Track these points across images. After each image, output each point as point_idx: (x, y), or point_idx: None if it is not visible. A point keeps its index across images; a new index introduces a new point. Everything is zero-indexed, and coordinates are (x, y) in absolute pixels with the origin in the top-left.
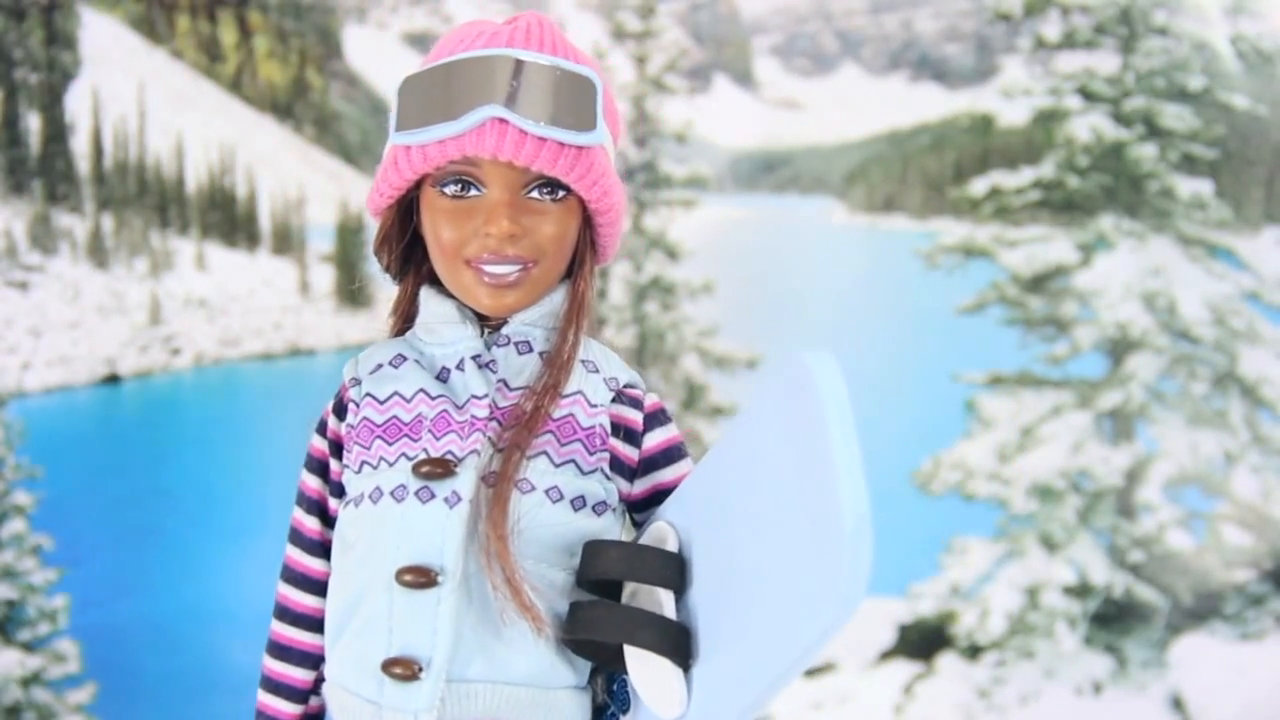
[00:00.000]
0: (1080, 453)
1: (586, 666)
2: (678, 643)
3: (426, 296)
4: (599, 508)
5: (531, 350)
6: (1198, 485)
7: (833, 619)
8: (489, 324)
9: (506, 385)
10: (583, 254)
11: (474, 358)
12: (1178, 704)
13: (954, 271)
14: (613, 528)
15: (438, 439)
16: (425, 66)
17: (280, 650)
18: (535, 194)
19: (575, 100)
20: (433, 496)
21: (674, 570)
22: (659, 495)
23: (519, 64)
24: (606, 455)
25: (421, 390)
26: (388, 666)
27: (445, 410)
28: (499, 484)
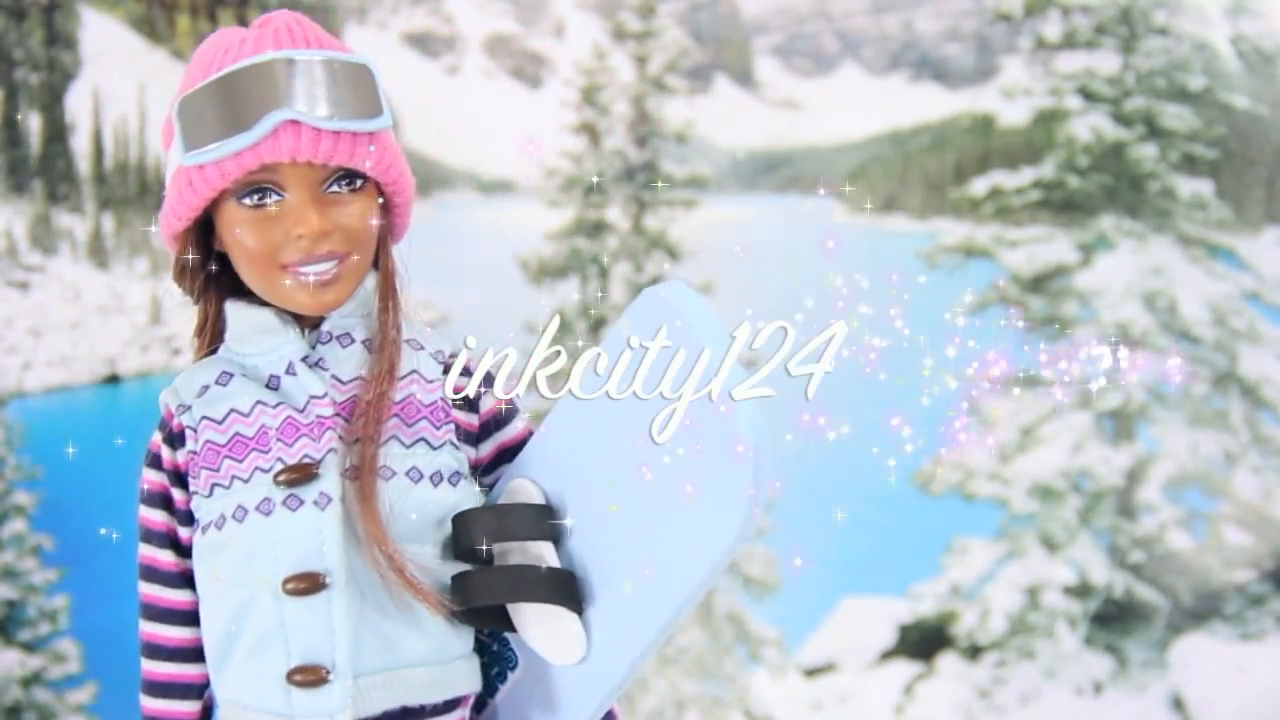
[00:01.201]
0: (1080, 453)
1: (472, 633)
2: (569, 590)
3: (235, 309)
4: (454, 478)
5: (354, 341)
6: (1198, 485)
7: (741, 528)
8: (305, 324)
9: (339, 380)
10: (383, 236)
11: (303, 359)
12: (1178, 704)
13: (954, 271)
14: (470, 495)
15: (290, 446)
16: (199, 84)
17: (160, 688)
18: (335, 188)
19: (357, 88)
20: (301, 503)
21: (547, 521)
22: (503, 454)
23: (295, 63)
24: (452, 426)
25: (258, 402)
26: (292, 676)
27: (289, 416)
28: (363, 476)
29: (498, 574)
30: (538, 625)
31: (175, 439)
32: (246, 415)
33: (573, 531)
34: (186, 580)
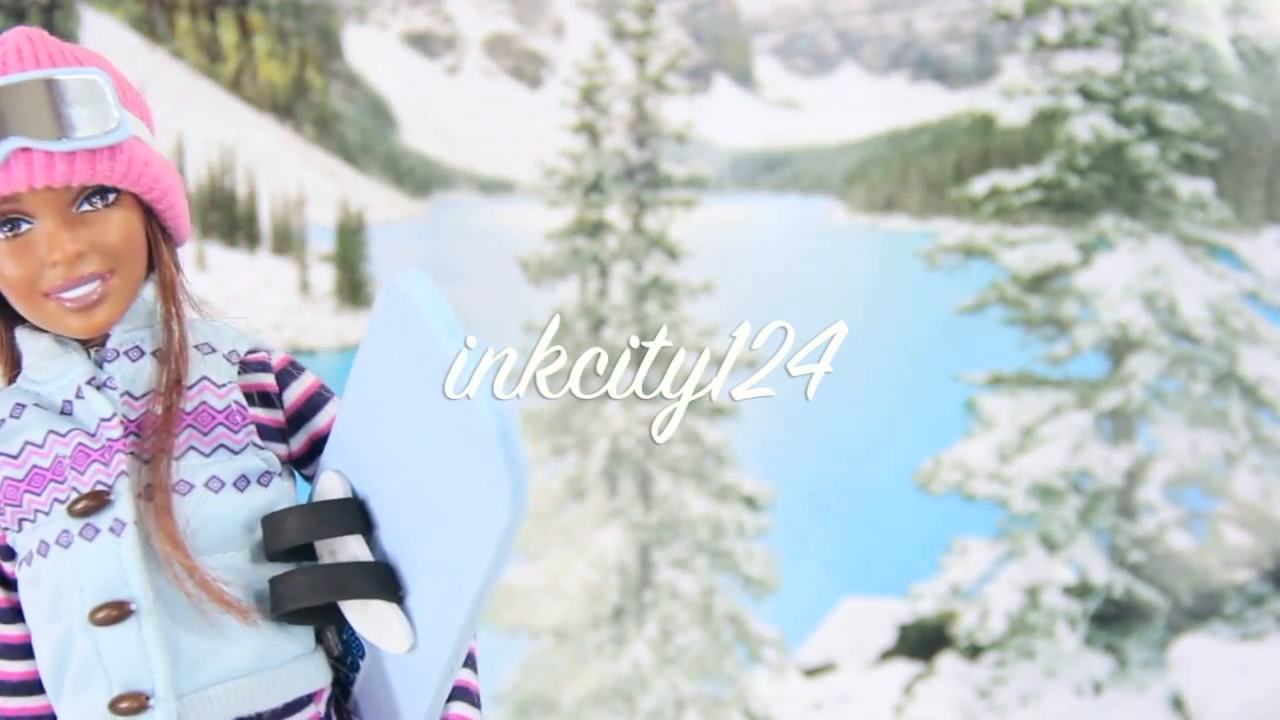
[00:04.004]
0: (1080, 453)
1: (308, 631)
2: (385, 582)
3: (23, 336)
4: (264, 479)
5: (144, 354)
6: (1198, 485)
7: (511, 512)
8: (93, 344)
9: (132, 396)
10: (155, 242)
11: (89, 381)
12: (1178, 704)
13: (954, 271)
14: (286, 491)
15: (82, 474)
16: None
17: None
18: (87, 206)
19: (87, 103)
20: (98, 531)
21: (354, 515)
22: (318, 444)
23: (16, 87)
24: (252, 428)
25: (50, 431)
26: (115, 705)
27: (80, 443)
28: (157, 495)
29: (310, 574)
30: (364, 619)
31: None
32: (41, 446)
33: (379, 522)
34: (18, 614)
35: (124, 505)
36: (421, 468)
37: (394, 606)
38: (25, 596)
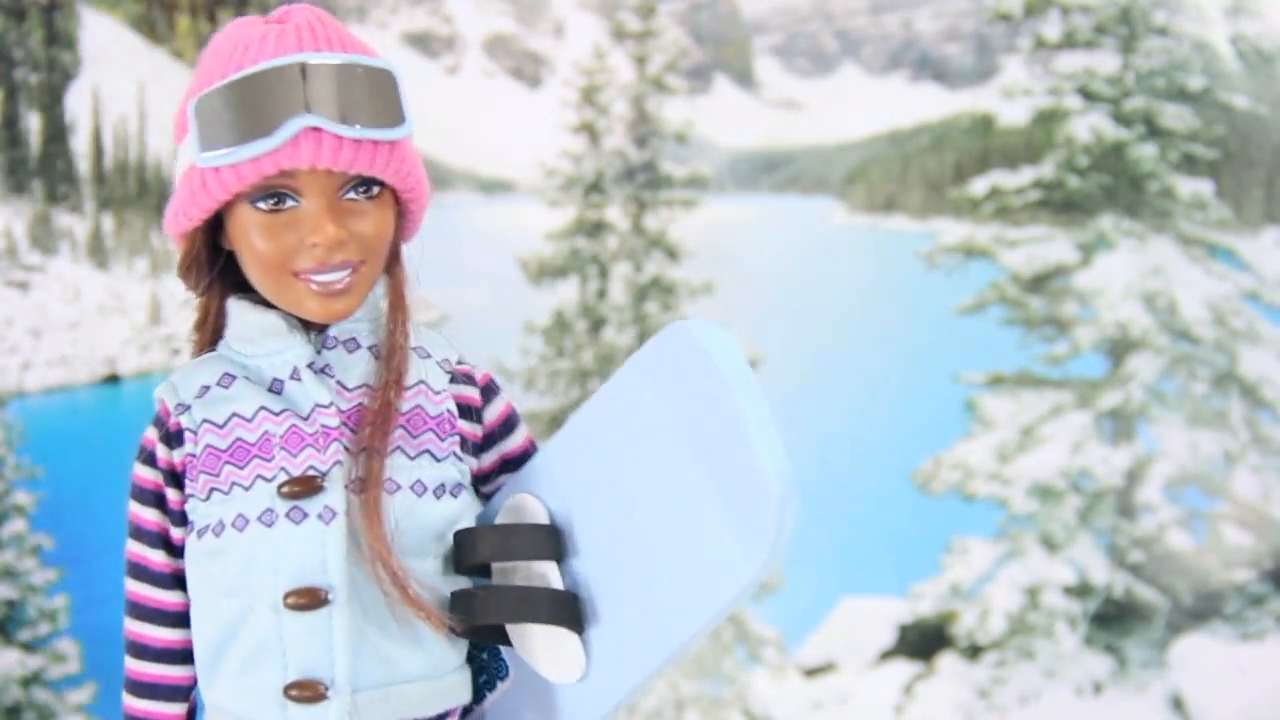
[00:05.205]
0: (1080, 453)
1: (466, 645)
2: (572, 611)
3: (240, 309)
4: (456, 490)
5: (360, 347)
6: (1198, 485)
7: (756, 578)
8: (310, 328)
9: (344, 387)
10: (396, 242)
11: (308, 365)
12: (1178, 704)
13: (954, 271)
14: (471, 506)
15: (294, 456)
16: (217, 84)
17: (146, 689)
18: (352, 195)
19: (380, 95)
20: (305, 516)
21: (553, 543)
22: (505, 464)
23: (317, 67)
24: (458, 438)
25: (262, 408)
26: (289, 691)
27: (294, 425)
28: (368, 490)
29: (502, 594)
30: (538, 643)
31: (172, 438)
32: (249, 420)
33: (579, 552)
34: (177, 581)
35: (336, 494)
36: (655, 512)
37: (574, 637)
38: (197, 566)
